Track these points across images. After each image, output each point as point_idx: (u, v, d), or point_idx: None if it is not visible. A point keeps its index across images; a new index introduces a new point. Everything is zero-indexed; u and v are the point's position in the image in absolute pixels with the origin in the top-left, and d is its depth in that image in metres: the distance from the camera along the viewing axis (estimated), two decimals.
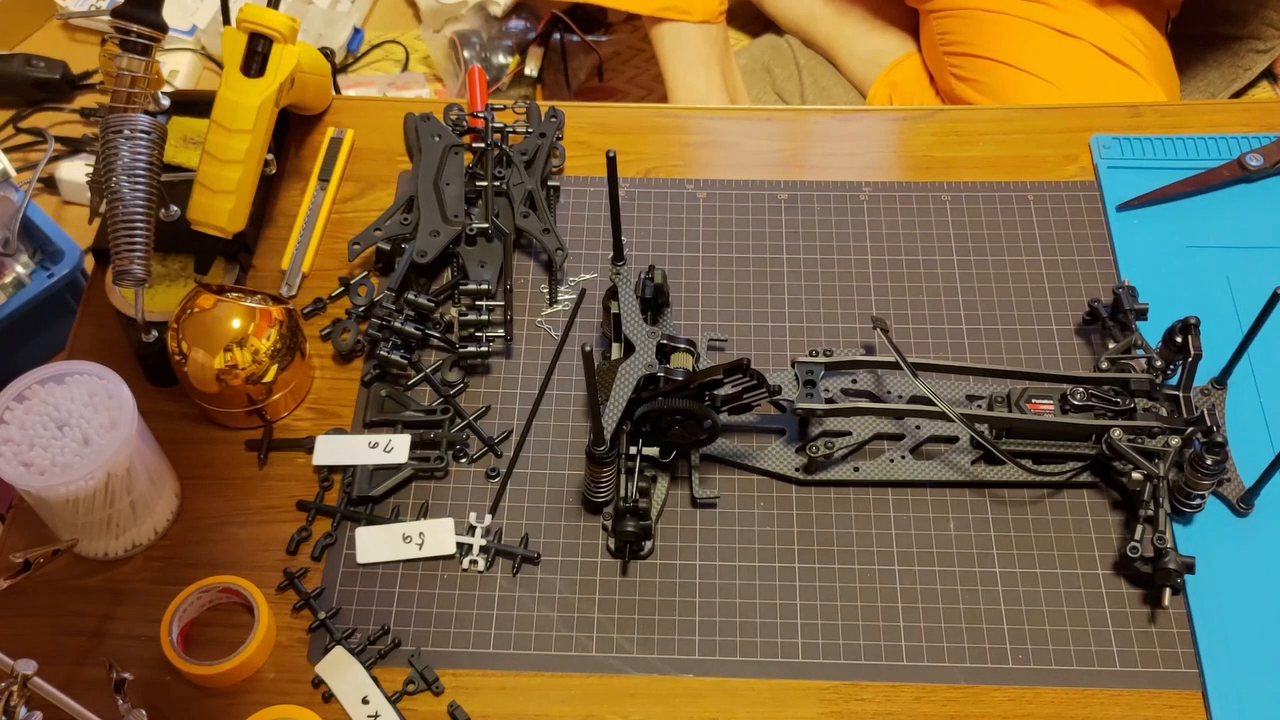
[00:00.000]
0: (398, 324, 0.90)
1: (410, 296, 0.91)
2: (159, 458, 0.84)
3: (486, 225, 0.95)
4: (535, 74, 1.90)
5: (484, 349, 0.90)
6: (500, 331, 0.91)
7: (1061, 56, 1.28)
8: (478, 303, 0.92)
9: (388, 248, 0.95)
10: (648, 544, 0.83)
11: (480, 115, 1.01)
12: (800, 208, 1.01)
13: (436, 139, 1.00)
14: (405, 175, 1.03)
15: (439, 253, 0.94)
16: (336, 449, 0.87)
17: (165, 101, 0.85)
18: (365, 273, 0.96)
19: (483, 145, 0.99)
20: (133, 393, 0.79)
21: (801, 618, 0.81)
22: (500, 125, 1.00)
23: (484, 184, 0.97)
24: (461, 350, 0.90)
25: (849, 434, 0.87)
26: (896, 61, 1.45)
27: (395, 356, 0.89)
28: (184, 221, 0.87)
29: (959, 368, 0.87)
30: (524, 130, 1.02)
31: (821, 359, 0.87)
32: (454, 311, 0.93)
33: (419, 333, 0.90)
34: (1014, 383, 0.87)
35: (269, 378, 0.86)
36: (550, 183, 1.00)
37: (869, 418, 0.87)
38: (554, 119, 1.04)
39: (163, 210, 0.87)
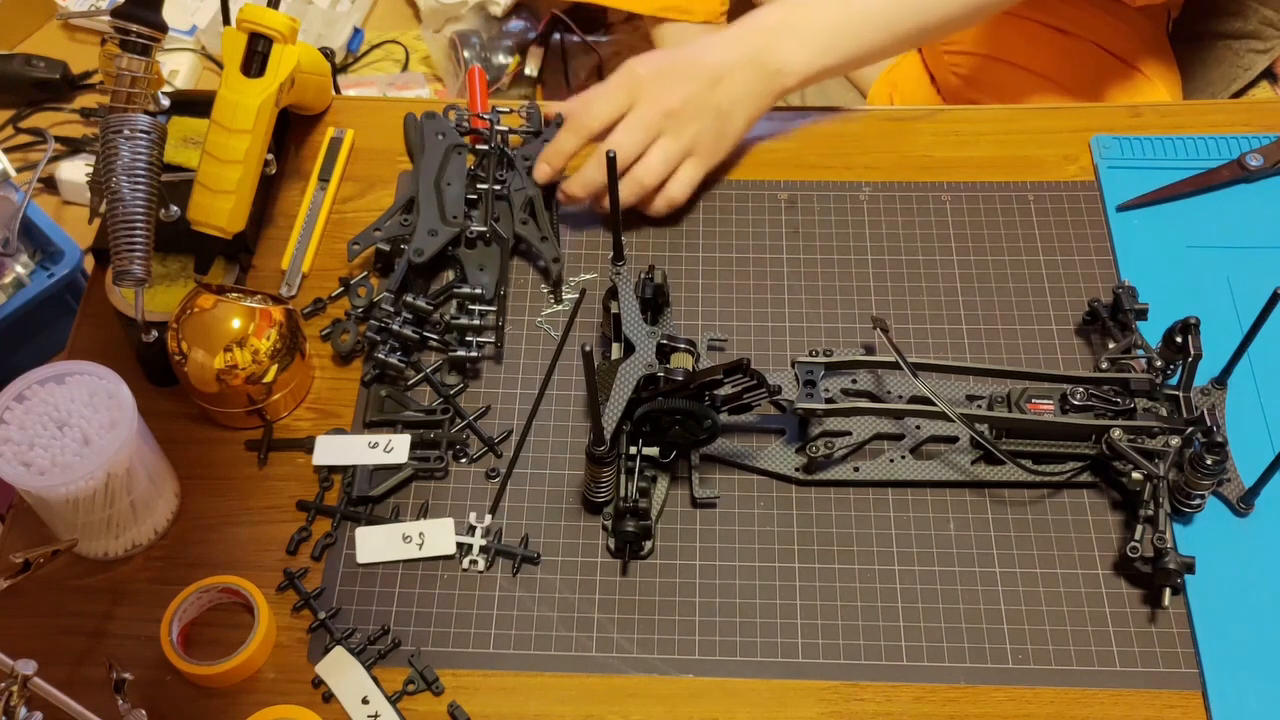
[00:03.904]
0: (396, 326, 0.90)
1: (409, 299, 0.91)
2: (159, 458, 0.84)
3: (485, 229, 0.95)
4: (535, 74, 1.90)
5: (473, 354, 0.90)
6: (490, 337, 0.91)
7: (1064, 54, 1.28)
8: (470, 307, 0.91)
9: (387, 248, 0.95)
10: (648, 544, 0.83)
11: (485, 117, 1.00)
12: (800, 208, 1.01)
13: (440, 137, 1.00)
14: (405, 175, 1.03)
15: (436, 253, 0.93)
16: (336, 449, 0.87)
17: (165, 101, 0.85)
18: (365, 273, 0.96)
19: (486, 147, 0.98)
20: (133, 393, 0.79)
21: (801, 618, 0.81)
22: (505, 128, 1.00)
23: (484, 187, 0.97)
24: (452, 355, 0.90)
25: (849, 434, 0.87)
26: (897, 61, 1.44)
27: (393, 359, 0.89)
28: (184, 221, 0.87)
29: (959, 368, 0.87)
30: (525, 132, 1.02)
31: (821, 359, 0.87)
32: (448, 314, 0.92)
33: (417, 335, 0.90)
34: (1014, 383, 0.87)
35: (269, 378, 0.86)
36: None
37: (869, 418, 0.87)
38: (558, 124, 1.03)
39: (163, 210, 0.87)
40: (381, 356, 0.89)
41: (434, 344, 0.92)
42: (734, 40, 0.97)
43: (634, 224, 1.00)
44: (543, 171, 0.97)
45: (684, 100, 0.94)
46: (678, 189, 0.97)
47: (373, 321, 0.90)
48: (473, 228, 0.95)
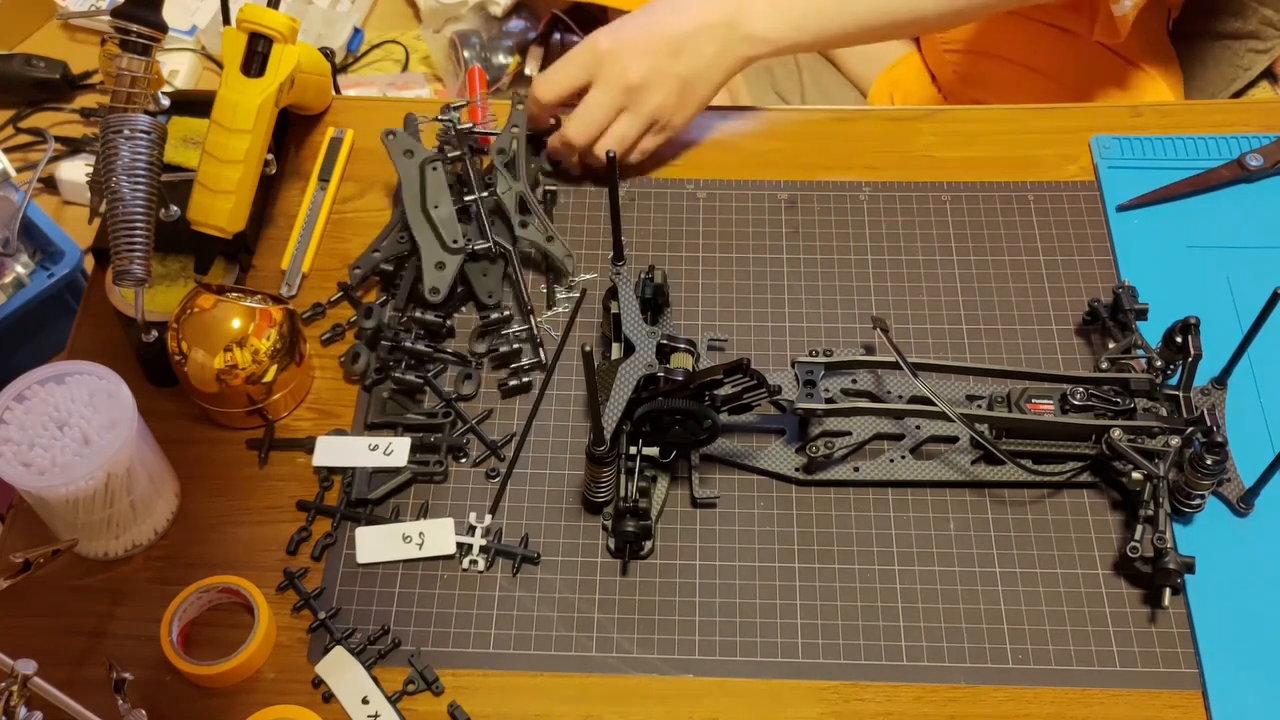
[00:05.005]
0: (408, 344, 0.89)
1: (418, 315, 0.91)
2: (159, 458, 0.84)
3: (489, 245, 0.94)
4: (535, 74, 1.90)
5: (524, 380, 0.90)
6: (536, 358, 0.91)
7: (1065, 53, 1.28)
8: (504, 332, 0.91)
9: (390, 268, 0.94)
10: (648, 544, 0.83)
11: (442, 120, 0.96)
12: (800, 208, 1.01)
13: (409, 155, 0.96)
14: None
15: (450, 286, 0.92)
16: (336, 450, 0.87)
17: (165, 101, 0.85)
18: (360, 276, 0.95)
19: (458, 154, 0.96)
20: (133, 393, 0.79)
21: (801, 618, 0.81)
22: (468, 126, 0.96)
23: (472, 198, 0.95)
24: (504, 388, 0.90)
25: (849, 434, 0.87)
26: (897, 60, 1.44)
27: (411, 377, 0.89)
28: (184, 221, 0.87)
29: (959, 368, 0.87)
30: (493, 131, 1.00)
31: (821, 359, 0.87)
32: (481, 346, 0.92)
33: (430, 350, 0.90)
34: (1014, 383, 0.87)
35: (269, 378, 0.86)
36: (548, 187, 0.99)
37: (869, 418, 0.87)
38: (520, 107, 1.00)
39: (163, 210, 0.87)
40: (399, 375, 0.89)
41: (447, 357, 0.91)
42: (702, 5, 0.96)
43: (634, 224, 1.00)
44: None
45: (644, 75, 0.95)
46: (635, 158, 1.00)
47: (384, 342, 0.90)
48: (475, 246, 0.93)
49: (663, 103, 0.96)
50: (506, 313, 0.93)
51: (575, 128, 0.97)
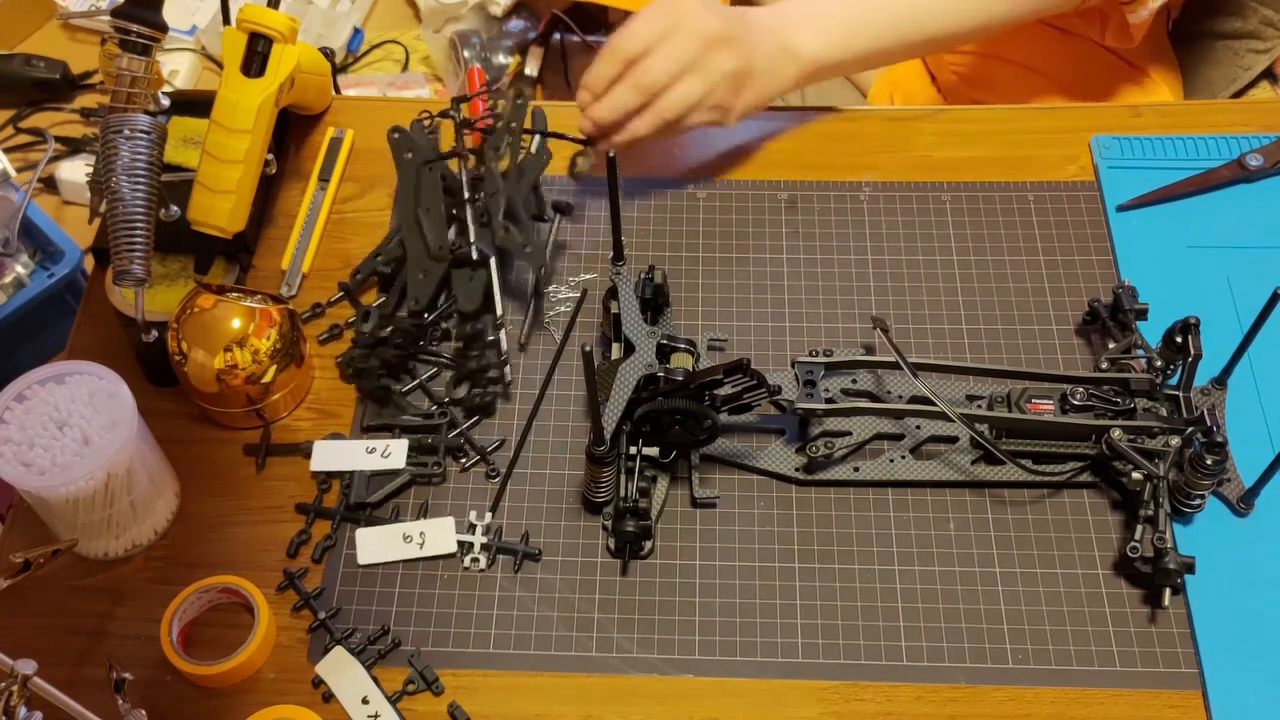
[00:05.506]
0: (390, 354, 0.89)
1: (410, 322, 0.90)
2: (159, 458, 0.84)
3: (474, 254, 0.92)
4: (535, 74, 1.90)
5: (487, 398, 0.89)
6: (498, 374, 0.90)
7: (1064, 53, 1.28)
8: (471, 352, 0.90)
9: (389, 270, 0.94)
10: (648, 544, 0.83)
11: (451, 115, 0.96)
12: (800, 208, 1.01)
13: (408, 156, 0.96)
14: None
15: (431, 296, 0.91)
16: (334, 454, 0.87)
17: (165, 101, 0.85)
18: (360, 280, 0.95)
19: (454, 154, 0.96)
20: (133, 393, 0.79)
21: (801, 618, 0.81)
22: (468, 120, 0.97)
23: (465, 196, 0.94)
24: (470, 405, 0.89)
25: (849, 434, 0.87)
26: None
27: (396, 387, 0.89)
28: (184, 221, 0.87)
29: (959, 368, 0.87)
30: (493, 117, 0.98)
31: (821, 359, 0.87)
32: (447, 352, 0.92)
33: (428, 354, 0.90)
34: (1014, 383, 0.87)
35: (268, 378, 0.86)
36: (558, 198, 0.98)
37: (869, 418, 0.87)
38: (520, 101, 0.99)
39: (163, 210, 0.87)
40: (384, 384, 0.89)
41: (443, 360, 0.91)
42: (755, 12, 0.96)
43: (634, 224, 1.00)
44: (583, 98, 0.93)
45: (725, 31, 0.91)
46: (673, 135, 0.95)
47: (359, 350, 0.89)
48: (459, 251, 0.92)
49: (727, 73, 0.91)
50: (480, 326, 0.90)
51: (648, 71, 0.90)
